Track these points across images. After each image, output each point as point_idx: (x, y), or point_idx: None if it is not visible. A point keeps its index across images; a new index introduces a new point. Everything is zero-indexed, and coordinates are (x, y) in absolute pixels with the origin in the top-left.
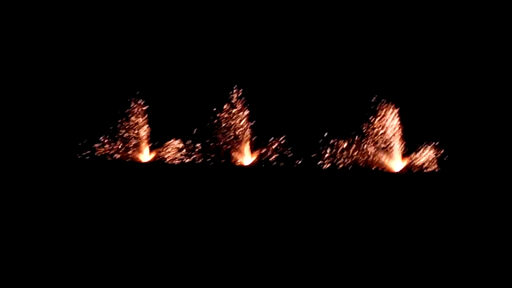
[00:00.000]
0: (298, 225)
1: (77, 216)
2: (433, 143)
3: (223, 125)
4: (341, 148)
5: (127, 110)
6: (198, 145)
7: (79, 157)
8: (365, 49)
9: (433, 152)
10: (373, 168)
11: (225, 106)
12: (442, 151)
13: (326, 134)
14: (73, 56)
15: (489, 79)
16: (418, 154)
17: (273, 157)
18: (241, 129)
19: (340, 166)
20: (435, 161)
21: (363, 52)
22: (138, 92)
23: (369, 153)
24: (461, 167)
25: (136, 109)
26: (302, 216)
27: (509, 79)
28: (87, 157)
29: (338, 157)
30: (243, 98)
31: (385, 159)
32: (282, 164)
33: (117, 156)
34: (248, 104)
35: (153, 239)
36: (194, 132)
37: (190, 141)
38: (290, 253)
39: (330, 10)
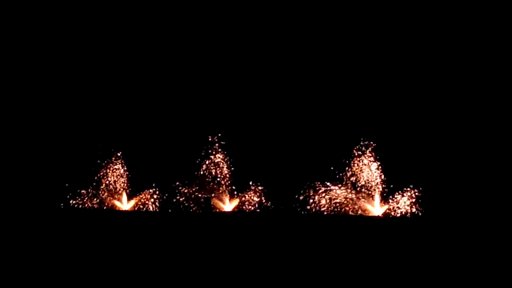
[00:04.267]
0: (279, 269)
1: (57, 264)
2: (412, 187)
3: (203, 173)
4: (321, 193)
5: (106, 160)
6: (178, 193)
7: (61, 206)
8: (343, 95)
9: (412, 196)
10: (353, 213)
11: (204, 155)
12: (421, 195)
13: (305, 180)
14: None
15: (464, 127)
16: (397, 198)
17: (253, 203)
18: (221, 177)
19: (320, 211)
20: (415, 204)
21: (341, 100)
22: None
23: (349, 198)
24: (440, 211)
25: (115, 158)
26: (283, 260)
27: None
28: (67, 206)
29: (318, 202)
30: (222, 148)
31: (365, 204)
32: (262, 210)
33: (96, 204)
34: (228, 153)
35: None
36: (174, 180)
37: (169, 189)
38: None
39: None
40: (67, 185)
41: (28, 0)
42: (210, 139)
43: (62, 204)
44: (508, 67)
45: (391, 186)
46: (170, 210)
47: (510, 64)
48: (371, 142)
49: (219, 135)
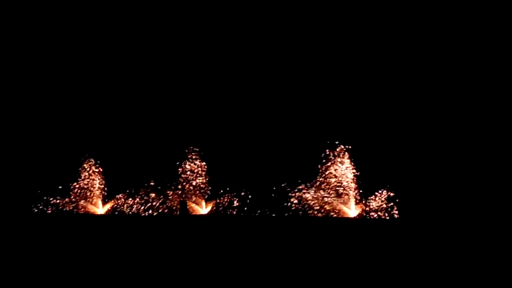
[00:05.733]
0: (255, 271)
1: (32, 269)
2: (386, 189)
3: (181, 178)
4: (296, 196)
5: (81, 164)
6: (153, 197)
7: (34, 210)
8: (316, 98)
9: (386, 198)
10: (328, 215)
11: (180, 159)
12: (395, 196)
13: (280, 183)
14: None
15: (437, 128)
16: (371, 200)
17: (229, 206)
18: (199, 181)
19: (295, 213)
20: (388, 206)
21: (314, 102)
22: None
23: (324, 200)
24: (413, 212)
25: (90, 162)
26: (260, 262)
27: (454, 133)
28: (41, 210)
29: (293, 205)
30: (197, 151)
31: (340, 206)
32: (237, 213)
33: (71, 208)
34: (203, 156)
35: None
36: (149, 184)
37: (145, 193)
38: None
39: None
40: (39, 191)
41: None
42: (185, 143)
43: (35, 209)
44: (485, 67)
45: (366, 187)
46: (146, 214)
47: (487, 64)
48: (345, 145)
49: (194, 139)
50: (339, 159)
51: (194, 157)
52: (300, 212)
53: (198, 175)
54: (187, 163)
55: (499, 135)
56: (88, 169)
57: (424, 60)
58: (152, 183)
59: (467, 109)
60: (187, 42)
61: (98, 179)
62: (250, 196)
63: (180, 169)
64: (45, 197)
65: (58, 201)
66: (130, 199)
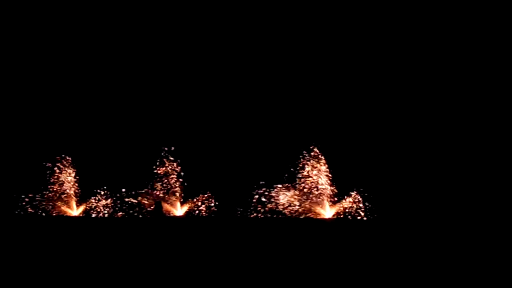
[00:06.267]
0: (231, 273)
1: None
2: (361, 190)
3: (155, 179)
4: (270, 197)
5: (54, 165)
6: (129, 199)
7: (5, 212)
8: (289, 100)
9: (360, 199)
10: (303, 216)
11: (154, 161)
12: (369, 197)
13: (255, 184)
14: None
15: (411, 129)
16: (346, 201)
17: (204, 207)
18: (172, 182)
19: (270, 214)
20: (362, 207)
21: (288, 102)
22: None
23: (299, 201)
24: (387, 213)
25: (64, 163)
26: (235, 264)
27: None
28: (15, 213)
29: (268, 206)
30: (172, 152)
31: (315, 207)
32: (212, 214)
33: (44, 209)
34: (178, 158)
35: None
36: (124, 185)
37: (120, 194)
38: None
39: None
40: (14, 193)
41: None
42: (159, 144)
43: (8, 211)
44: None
45: (341, 188)
46: (120, 215)
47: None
48: (320, 145)
49: (169, 139)
50: (313, 160)
51: (169, 157)
52: (275, 214)
53: (173, 176)
54: (163, 163)
55: (473, 130)
56: (61, 170)
57: (396, 58)
58: (126, 184)
59: (440, 108)
60: (159, 41)
61: (72, 180)
62: (225, 197)
63: (155, 170)
64: (17, 198)
65: (30, 202)
66: (104, 200)
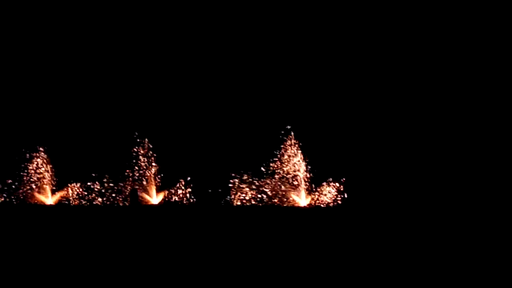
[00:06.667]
0: (208, 262)
1: None
2: (336, 178)
3: (131, 167)
4: (247, 185)
5: (29, 153)
6: (103, 186)
7: None
8: (268, 87)
9: (336, 187)
10: (279, 204)
11: (130, 148)
12: (344, 185)
13: (231, 172)
14: None
15: (389, 117)
16: (322, 189)
17: (180, 195)
18: (147, 170)
19: (247, 203)
20: (339, 195)
21: (267, 89)
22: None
23: (275, 189)
24: (363, 202)
25: (40, 152)
26: (212, 253)
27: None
28: None
29: (244, 194)
30: (148, 140)
31: (290, 195)
32: (189, 202)
33: (19, 199)
34: (154, 146)
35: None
36: (99, 173)
37: (95, 182)
38: None
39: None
40: None
41: None
42: (135, 132)
43: None
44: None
45: (316, 177)
46: (96, 204)
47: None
48: (297, 133)
49: (145, 126)
50: (290, 148)
51: (145, 145)
52: (251, 202)
53: (149, 164)
54: (138, 151)
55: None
56: (36, 156)
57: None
58: (102, 172)
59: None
60: (134, 31)
61: (47, 167)
62: (201, 185)
63: (130, 158)
64: None
65: (5, 190)
66: (80, 188)
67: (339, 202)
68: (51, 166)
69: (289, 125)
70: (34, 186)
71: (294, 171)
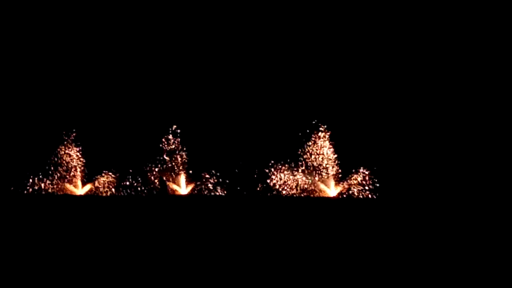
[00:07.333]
0: (236, 252)
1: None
2: (365, 168)
3: (161, 159)
4: (277, 176)
5: (60, 144)
6: (134, 178)
7: (13, 192)
8: (296, 79)
9: (365, 177)
10: (309, 195)
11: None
12: (373, 176)
13: (260, 163)
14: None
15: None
16: (351, 180)
17: (209, 186)
18: (178, 162)
19: (276, 193)
20: (367, 186)
21: (294, 83)
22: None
23: (305, 180)
24: (392, 193)
25: (69, 143)
26: (241, 243)
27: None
28: (21, 192)
29: (273, 185)
30: (178, 132)
31: (320, 186)
32: (217, 193)
33: (51, 189)
34: (185, 137)
35: (93, 271)
36: (130, 164)
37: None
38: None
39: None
40: (17, 171)
41: None
42: (167, 122)
43: (14, 190)
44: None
45: (345, 167)
46: (125, 193)
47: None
48: (324, 124)
49: (176, 118)
50: (318, 139)
51: (174, 136)
52: (280, 192)
53: (178, 155)
54: (168, 142)
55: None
56: (67, 148)
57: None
58: (132, 162)
59: (442, 92)
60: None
61: (77, 158)
62: (230, 176)
63: (161, 148)
64: (23, 177)
65: (36, 181)
66: (110, 178)
67: (368, 194)
68: (81, 156)
69: (316, 119)
70: (65, 177)
71: (324, 161)
